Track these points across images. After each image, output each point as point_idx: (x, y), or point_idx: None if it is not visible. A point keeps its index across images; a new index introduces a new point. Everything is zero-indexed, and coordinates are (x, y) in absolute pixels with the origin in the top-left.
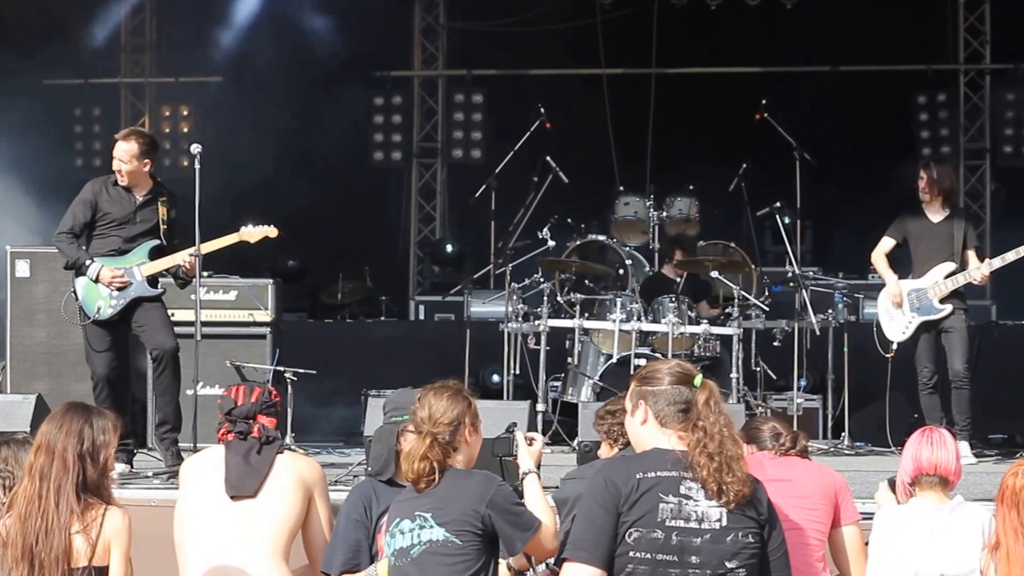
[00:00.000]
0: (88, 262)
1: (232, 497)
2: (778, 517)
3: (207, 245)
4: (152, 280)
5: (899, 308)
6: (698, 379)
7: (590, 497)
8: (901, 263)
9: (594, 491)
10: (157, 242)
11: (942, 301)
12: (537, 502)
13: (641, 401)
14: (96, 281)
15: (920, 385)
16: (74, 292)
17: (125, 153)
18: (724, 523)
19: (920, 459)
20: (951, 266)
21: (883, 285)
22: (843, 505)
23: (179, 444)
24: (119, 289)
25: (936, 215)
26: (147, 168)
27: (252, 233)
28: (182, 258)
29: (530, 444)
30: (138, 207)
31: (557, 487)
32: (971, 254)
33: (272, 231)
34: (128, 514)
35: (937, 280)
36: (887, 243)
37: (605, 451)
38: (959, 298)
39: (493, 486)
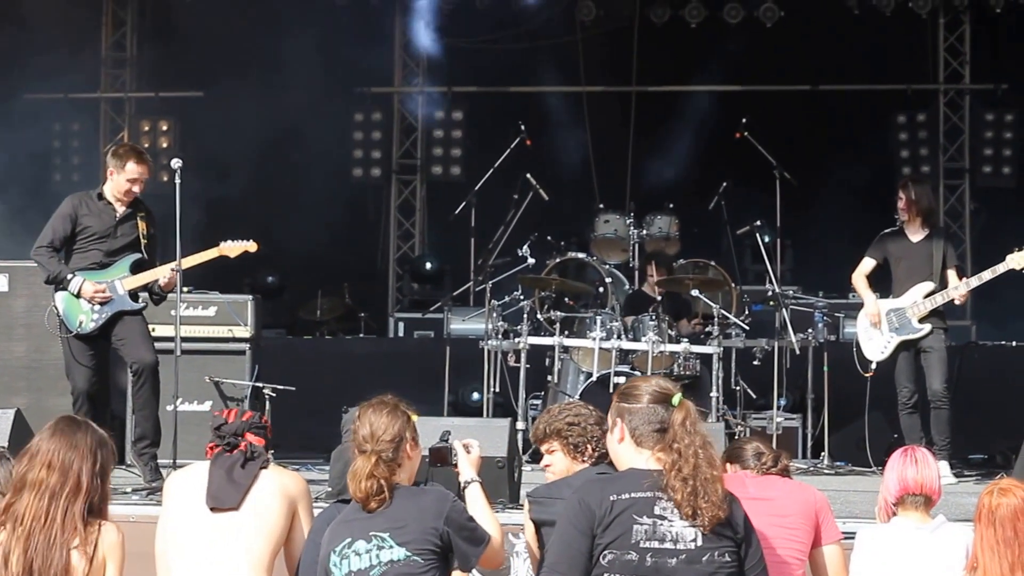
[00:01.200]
0: (69, 276)
1: (212, 509)
2: (755, 534)
3: (187, 260)
4: (134, 294)
5: (877, 328)
6: (676, 398)
7: (565, 519)
8: (882, 283)
9: (569, 513)
10: (138, 256)
11: (921, 321)
12: (483, 512)
13: (619, 419)
14: (78, 295)
15: (900, 405)
16: (55, 307)
17: (145, 174)
18: (699, 543)
19: (906, 479)
20: (930, 286)
21: (863, 304)
22: (824, 524)
23: (158, 460)
24: (101, 303)
25: (916, 235)
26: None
27: (232, 248)
28: (163, 272)
29: (468, 452)
30: (118, 221)
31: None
32: (951, 274)
33: (252, 246)
34: (122, 530)
35: (916, 300)
36: (867, 263)
37: (565, 464)
38: (938, 318)
39: (448, 502)
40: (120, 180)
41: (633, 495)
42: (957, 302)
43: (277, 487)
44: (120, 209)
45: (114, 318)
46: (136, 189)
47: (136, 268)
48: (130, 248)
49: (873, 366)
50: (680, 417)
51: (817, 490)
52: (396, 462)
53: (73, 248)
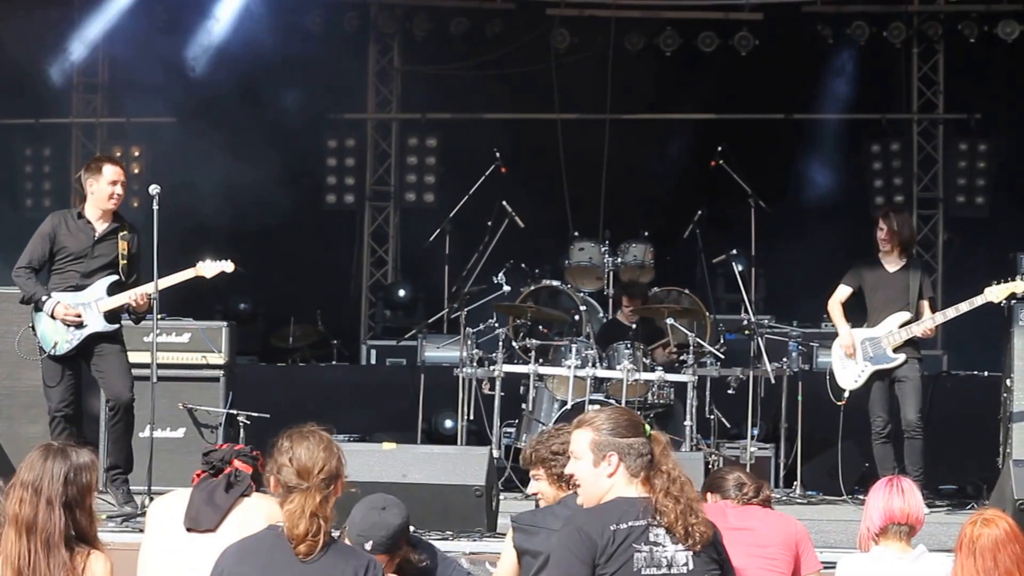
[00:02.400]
0: (44, 297)
1: (189, 530)
2: (730, 562)
3: (163, 281)
4: (110, 316)
5: (852, 357)
6: (647, 427)
7: (564, 549)
8: (856, 311)
9: (569, 543)
10: (115, 277)
11: (896, 350)
12: None
13: (613, 454)
14: (53, 316)
15: (873, 434)
16: (32, 327)
17: (123, 175)
18: (691, 567)
19: (892, 508)
20: (906, 315)
21: (836, 333)
22: (804, 555)
23: (130, 484)
24: (76, 326)
25: (892, 265)
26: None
27: (209, 268)
28: (137, 293)
29: None
30: (96, 241)
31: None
32: (925, 304)
33: (229, 266)
34: (110, 558)
35: (891, 329)
36: (843, 291)
37: (551, 492)
38: (913, 347)
39: (372, 570)
40: (102, 186)
41: (631, 524)
42: (922, 336)
43: (259, 513)
44: (100, 228)
45: (91, 340)
46: (120, 191)
47: (114, 289)
48: (108, 268)
49: (846, 395)
50: (660, 445)
51: (797, 521)
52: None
53: (52, 269)
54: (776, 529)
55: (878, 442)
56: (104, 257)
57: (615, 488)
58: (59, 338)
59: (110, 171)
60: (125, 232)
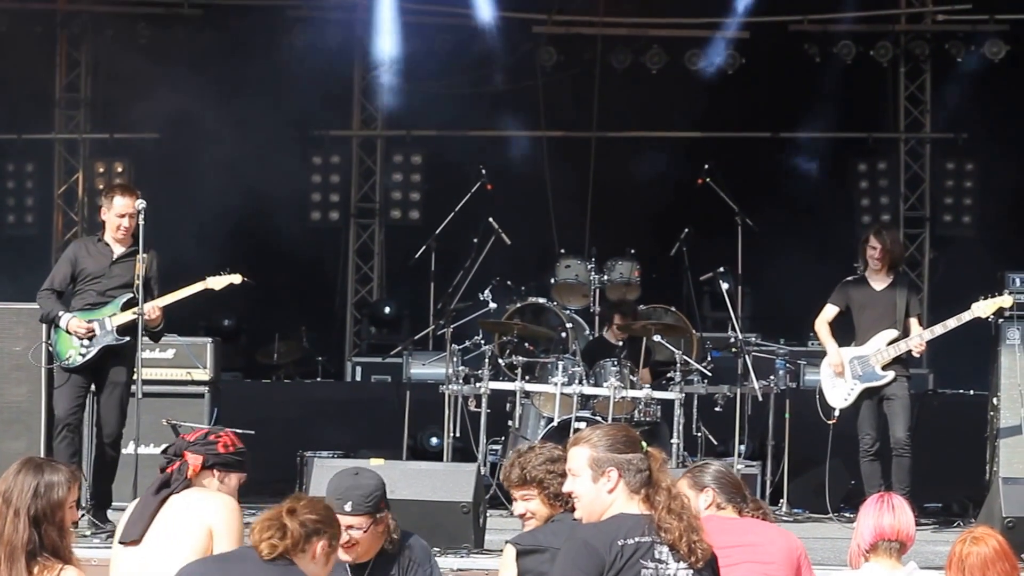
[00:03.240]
0: (60, 314)
1: (121, 543)
2: None
3: (171, 296)
4: (122, 330)
5: (841, 376)
6: (643, 444)
7: (571, 564)
8: (842, 330)
9: (576, 558)
10: (131, 295)
11: (884, 368)
12: None
13: (613, 469)
14: (68, 331)
15: (861, 452)
16: (48, 342)
17: (132, 207)
18: None
19: (882, 525)
20: (893, 333)
21: (824, 353)
22: (804, 572)
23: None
24: (88, 339)
25: (880, 283)
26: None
27: (218, 281)
28: (148, 308)
29: None
30: (114, 261)
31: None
32: (913, 322)
33: (237, 278)
34: (84, 572)
35: (880, 347)
36: (830, 310)
37: (545, 512)
38: (901, 365)
39: None
40: (111, 218)
41: (639, 540)
42: (915, 354)
43: (189, 513)
44: (118, 250)
45: (104, 357)
46: (127, 223)
47: (128, 307)
48: (124, 288)
49: (836, 413)
50: (658, 462)
51: (795, 536)
52: (300, 546)
53: (74, 291)
54: (780, 546)
55: (866, 460)
56: (120, 278)
57: (616, 504)
58: (72, 351)
59: (119, 204)
60: (143, 256)
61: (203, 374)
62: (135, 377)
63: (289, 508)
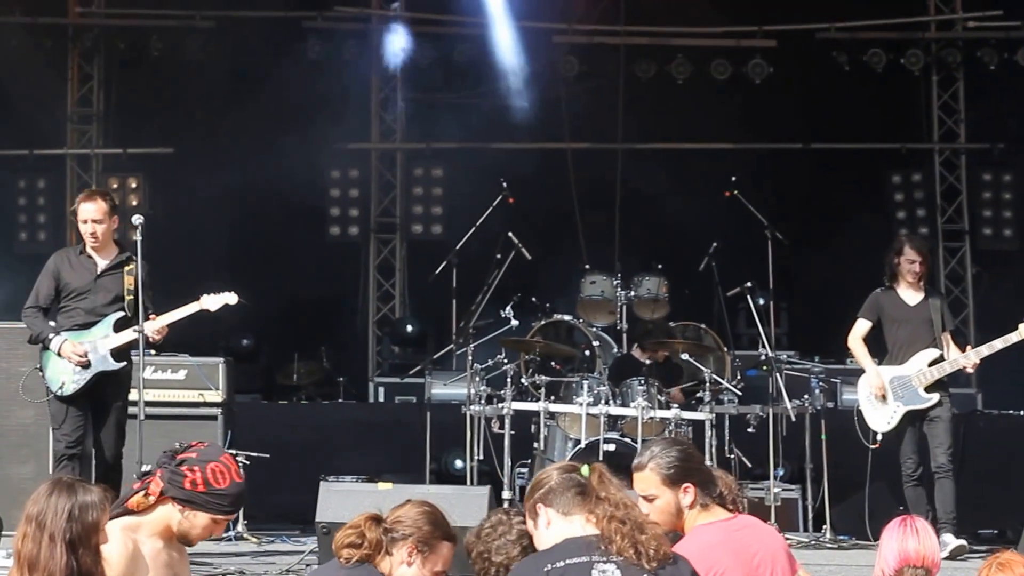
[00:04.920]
0: (51, 336)
1: None
2: None
3: (167, 316)
4: (116, 354)
5: (882, 399)
6: (584, 468)
7: None
8: (872, 345)
9: None
10: (121, 313)
11: (928, 389)
12: None
13: (539, 505)
14: (59, 355)
15: (904, 477)
16: (40, 367)
17: (96, 212)
18: None
19: (907, 550)
20: (935, 353)
21: (861, 370)
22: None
23: None
24: (82, 366)
25: (913, 297)
26: (115, 226)
27: (213, 300)
28: (152, 330)
29: None
30: (99, 276)
31: None
32: (948, 337)
33: (232, 298)
34: None
35: (921, 368)
36: (863, 326)
37: None
38: (944, 386)
39: None
40: (79, 224)
41: (568, 562)
42: (969, 370)
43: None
44: (102, 263)
45: (100, 381)
46: (93, 229)
47: (120, 326)
48: (113, 304)
49: (879, 437)
50: (596, 476)
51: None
52: (388, 548)
53: (60, 307)
54: (772, 542)
55: (910, 485)
56: (109, 292)
57: (560, 531)
58: (66, 378)
59: (83, 209)
60: (132, 267)
61: (216, 395)
62: (135, 396)
63: (373, 516)
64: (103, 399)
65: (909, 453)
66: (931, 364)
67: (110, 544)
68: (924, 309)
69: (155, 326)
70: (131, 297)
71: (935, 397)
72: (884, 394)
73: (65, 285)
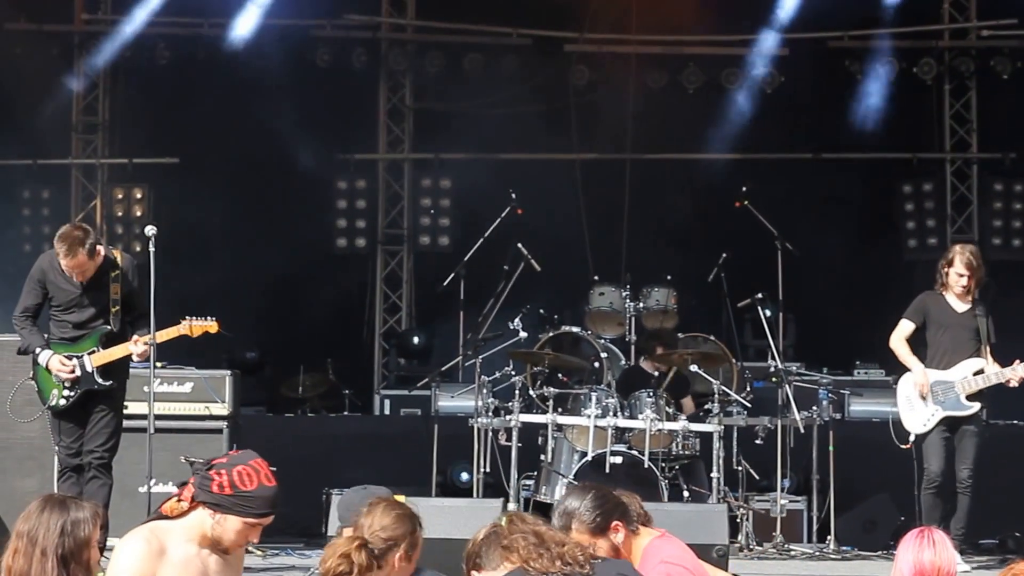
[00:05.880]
0: (38, 350)
1: None
2: None
3: (148, 338)
4: (104, 370)
5: (923, 398)
6: (503, 520)
7: None
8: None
9: None
10: (108, 328)
11: (969, 398)
12: None
13: (473, 572)
14: (48, 370)
15: (925, 482)
16: (33, 378)
17: (79, 265)
18: None
19: (923, 561)
20: (980, 363)
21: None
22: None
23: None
24: (70, 384)
25: (961, 305)
26: (100, 258)
27: (193, 327)
28: (132, 349)
29: None
30: (83, 291)
31: None
32: (987, 350)
33: (213, 326)
34: None
35: (966, 376)
36: (907, 326)
37: None
38: (984, 398)
39: None
40: (65, 265)
41: None
42: (1013, 384)
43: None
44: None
45: (88, 396)
46: (79, 275)
47: (107, 341)
48: (100, 317)
49: (912, 438)
50: (507, 522)
51: None
52: (379, 561)
53: (50, 315)
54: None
55: (929, 491)
56: (95, 305)
57: None
58: (56, 391)
59: (66, 265)
60: (116, 272)
61: (222, 408)
62: (145, 410)
63: (354, 538)
64: (94, 408)
65: (934, 459)
66: (976, 373)
67: (128, 539)
68: (971, 318)
69: (139, 350)
70: (117, 308)
71: (976, 406)
72: (927, 393)
73: (52, 296)
